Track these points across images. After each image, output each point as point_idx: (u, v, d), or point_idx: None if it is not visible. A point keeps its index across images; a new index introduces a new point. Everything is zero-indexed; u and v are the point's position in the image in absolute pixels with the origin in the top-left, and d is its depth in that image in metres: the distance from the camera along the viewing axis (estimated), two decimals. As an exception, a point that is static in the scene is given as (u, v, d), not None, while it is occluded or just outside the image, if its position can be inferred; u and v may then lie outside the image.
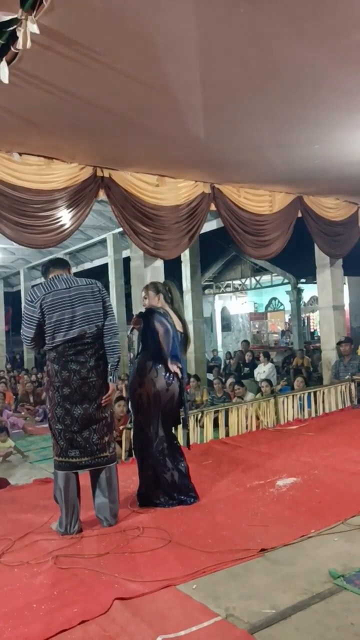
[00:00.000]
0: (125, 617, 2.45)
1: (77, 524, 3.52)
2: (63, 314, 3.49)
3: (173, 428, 4.24)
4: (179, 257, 10.90)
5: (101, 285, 3.72)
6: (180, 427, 4.32)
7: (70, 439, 3.51)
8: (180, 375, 4.03)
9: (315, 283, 9.63)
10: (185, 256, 11.40)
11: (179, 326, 4.17)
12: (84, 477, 3.69)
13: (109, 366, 3.61)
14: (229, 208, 7.04)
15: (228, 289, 21.31)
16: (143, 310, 4.26)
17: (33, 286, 3.85)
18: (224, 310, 22.29)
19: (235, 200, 7.08)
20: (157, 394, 3.97)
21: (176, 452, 4.09)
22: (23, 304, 3.79)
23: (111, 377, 3.63)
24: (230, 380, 9.47)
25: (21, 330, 3.62)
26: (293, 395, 6.81)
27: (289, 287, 17.78)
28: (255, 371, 10.37)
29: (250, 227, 7.26)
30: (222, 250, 18.16)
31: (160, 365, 3.99)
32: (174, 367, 3.97)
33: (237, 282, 20.50)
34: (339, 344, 8.37)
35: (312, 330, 19.15)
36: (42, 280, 3.75)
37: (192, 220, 6.74)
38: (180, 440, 4.32)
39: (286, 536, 3.23)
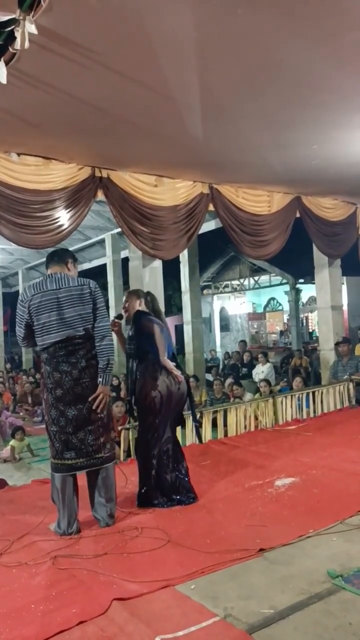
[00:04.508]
0: (124, 618, 2.45)
1: (75, 524, 3.52)
2: (50, 316, 3.47)
3: (177, 428, 4.27)
4: (178, 258, 10.88)
5: (94, 286, 3.62)
6: (179, 427, 4.34)
7: (65, 440, 3.49)
8: (177, 375, 4.04)
9: (314, 283, 9.64)
10: (184, 256, 11.41)
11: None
12: (82, 477, 3.68)
13: (98, 368, 3.55)
14: (227, 208, 7.04)
15: (226, 289, 21.30)
16: (123, 314, 4.26)
17: (29, 285, 3.83)
18: (222, 310, 22.27)
19: (233, 200, 7.08)
20: (170, 394, 3.99)
21: (178, 452, 4.10)
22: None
23: (100, 379, 3.55)
24: (229, 380, 9.47)
25: (15, 328, 3.64)
26: (292, 396, 6.81)
27: (287, 287, 17.78)
28: (254, 371, 10.38)
29: (248, 227, 7.26)
30: (221, 250, 18.15)
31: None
32: (169, 365, 3.98)
33: (235, 282, 20.49)
34: (337, 344, 8.37)
35: (310, 330, 19.15)
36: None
37: (190, 221, 6.75)
38: (189, 438, 4.29)
39: (285, 536, 3.23)
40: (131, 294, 4.30)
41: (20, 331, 3.61)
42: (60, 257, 3.74)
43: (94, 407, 3.51)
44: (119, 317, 4.24)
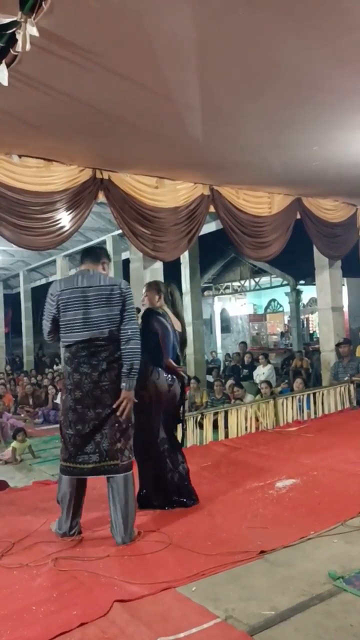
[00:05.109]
0: (125, 619, 2.44)
1: (77, 526, 3.50)
2: (76, 314, 3.39)
3: (173, 429, 4.25)
4: (179, 259, 10.90)
5: (125, 286, 3.46)
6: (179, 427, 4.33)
7: (79, 445, 3.37)
8: (181, 375, 4.04)
9: (314, 284, 9.64)
10: (185, 258, 11.41)
11: (177, 326, 4.18)
12: (89, 480, 3.59)
13: (122, 372, 3.40)
14: (228, 210, 7.05)
15: (227, 291, 21.31)
16: (141, 307, 4.27)
17: (60, 279, 3.75)
18: (223, 311, 22.27)
19: (234, 201, 7.08)
20: (159, 395, 3.98)
21: (177, 453, 4.08)
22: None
23: (124, 384, 3.40)
24: (230, 381, 9.47)
25: (42, 321, 3.60)
26: (292, 397, 6.81)
27: (288, 289, 17.78)
28: (255, 373, 10.38)
29: (249, 229, 7.26)
30: (221, 252, 18.16)
31: (161, 367, 3.99)
32: (173, 366, 3.98)
33: (236, 283, 20.50)
34: (338, 345, 8.37)
35: (311, 331, 19.14)
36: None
37: (191, 222, 6.75)
38: (189, 439, 4.31)
39: (285, 538, 3.23)
40: (151, 287, 4.24)
41: (47, 325, 3.54)
42: (97, 255, 3.61)
43: (117, 413, 3.37)
44: (137, 309, 4.25)
